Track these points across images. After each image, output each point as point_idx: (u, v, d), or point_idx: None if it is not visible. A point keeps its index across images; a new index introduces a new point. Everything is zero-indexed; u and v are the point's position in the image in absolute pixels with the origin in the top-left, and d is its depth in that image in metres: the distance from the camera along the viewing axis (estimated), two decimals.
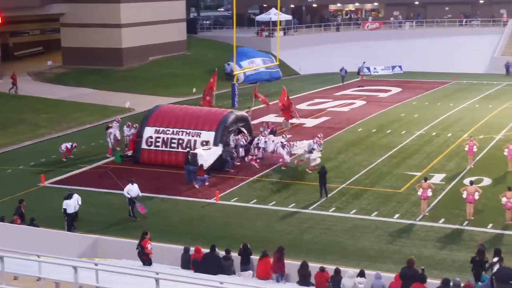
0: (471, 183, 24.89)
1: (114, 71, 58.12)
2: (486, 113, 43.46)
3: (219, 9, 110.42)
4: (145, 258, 18.64)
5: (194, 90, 52.12)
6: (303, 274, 17.24)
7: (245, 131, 33.31)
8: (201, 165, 29.23)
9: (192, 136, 31.76)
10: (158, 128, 32.45)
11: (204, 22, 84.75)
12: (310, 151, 30.64)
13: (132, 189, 25.09)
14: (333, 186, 28.01)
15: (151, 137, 32.39)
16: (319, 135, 32.40)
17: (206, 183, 29.01)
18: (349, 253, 21.55)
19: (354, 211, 25.46)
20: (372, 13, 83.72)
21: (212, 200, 27.20)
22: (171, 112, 33.95)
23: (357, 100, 49.65)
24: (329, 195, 26.92)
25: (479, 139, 33.55)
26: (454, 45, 66.72)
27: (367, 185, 28.57)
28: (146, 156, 32.35)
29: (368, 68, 66.09)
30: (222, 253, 18.23)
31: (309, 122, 41.85)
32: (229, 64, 57.33)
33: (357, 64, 63.71)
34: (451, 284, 14.83)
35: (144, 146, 32.44)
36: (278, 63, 56.92)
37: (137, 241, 18.94)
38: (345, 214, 25.21)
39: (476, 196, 23.80)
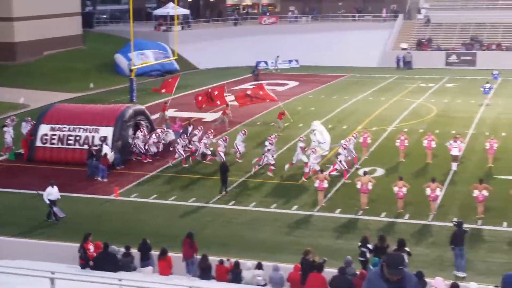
0: (365, 173, 25.76)
1: (7, 66, 56.17)
2: (379, 106, 44.93)
3: (116, 3, 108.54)
4: (84, 263, 17.79)
5: (91, 85, 51.14)
6: (203, 267, 17.37)
7: (145, 125, 33.12)
8: (105, 154, 29.10)
9: (90, 132, 31.34)
10: (54, 126, 31.90)
11: (101, 16, 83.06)
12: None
13: (52, 192, 24.33)
14: (233, 179, 28.27)
15: (46, 134, 31.74)
16: (243, 131, 32.64)
17: (105, 179, 28.69)
18: (249, 245, 21.85)
19: (253, 204, 25.82)
20: (269, 7, 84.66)
21: (111, 197, 26.90)
22: (67, 109, 33.47)
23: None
24: (229, 189, 27.15)
25: (372, 131, 34.68)
26: (347, 39, 68.40)
27: (267, 178, 29.00)
28: (41, 154, 31.66)
29: (266, 62, 66.91)
30: (122, 249, 18.12)
31: (209, 116, 41.94)
32: (118, 54, 57.01)
33: (267, 59, 64.38)
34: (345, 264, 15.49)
35: (38, 144, 31.73)
36: (176, 57, 56.66)
37: (32, 241, 18.47)
38: (244, 207, 25.54)
39: (370, 186, 24.65)
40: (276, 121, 37.97)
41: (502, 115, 41.38)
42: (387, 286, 7.69)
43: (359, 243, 18.17)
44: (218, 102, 41.11)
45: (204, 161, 31.05)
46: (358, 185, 24.77)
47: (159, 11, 72.57)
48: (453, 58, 66.87)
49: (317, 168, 27.87)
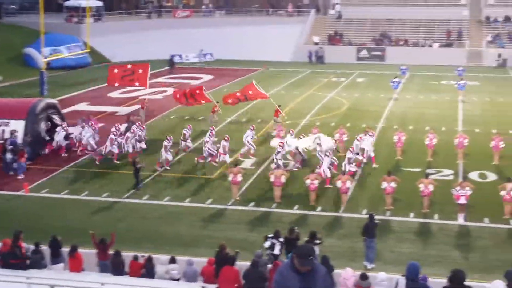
0: (279, 167, 26.08)
1: None
2: (292, 99, 45.53)
3: None
4: (20, 262, 16.71)
5: (0, 78, 49.55)
6: (116, 263, 17.22)
7: (57, 119, 32.45)
8: (22, 149, 28.34)
9: (0, 126, 30.52)
10: None
11: (10, 6, 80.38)
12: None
13: None
14: (147, 174, 28.07)
15: None
16: (251, 127, 32.15)
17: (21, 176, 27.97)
18: (164, 240, 21.78)
19: (167, 198, 25.74)
20: (183, 1, 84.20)
21: (20, 192, 26.23)
22: None
23: (170, 88, 49.87)
24: (142, 183, 26.94)
25: (286, 125, 35.10)
26: (262, 34, 68.90)
27: (181, 172, 28.95)
28: None
29: (180, 56, 66.63)
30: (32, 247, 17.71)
31: (122, 110, 41.45)
32: (28, 48, 55.41)
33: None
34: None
35: None
36: (89, 50, 55.59)
37: None
38: (159, 201, 25.42)
39: (283, 179, 25.00)
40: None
41: (410, 109, 42.69)
42: (298, 277, 7.86)
43: (271, 235, 18.36)
44: (203, 102, 38.80)
45: (213, 162, 29.52)
46: (272, 178, 25.07)
47: (70, 3, 70.97)
48: (364, 53, 68.54)
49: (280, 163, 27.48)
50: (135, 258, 17.38)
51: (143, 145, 31.22)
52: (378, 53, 68.30)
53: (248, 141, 30.90)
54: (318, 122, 37.19)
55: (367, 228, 19.65)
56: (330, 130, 33.81)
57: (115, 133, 30.55)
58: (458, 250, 20.94)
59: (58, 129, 31.73)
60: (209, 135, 30.24)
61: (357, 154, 28.21)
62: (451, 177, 27.50)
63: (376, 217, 20.58)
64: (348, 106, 43.42)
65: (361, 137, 29.37)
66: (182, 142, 31.24)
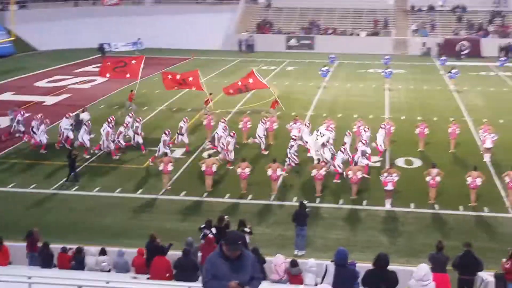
0: (209, 156, 26.10)
1: None
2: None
3: None
4: None
5: None
6: (44, 255, 16.95)
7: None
8: None
9: None
10: None
11: None
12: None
13: None
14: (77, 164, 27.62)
15: None
16: (263, 120, 31.36)
17: None
18: (94, 231, 21.53)
19: (97, 189, 25.43)
20: None
21: None
22: None
23: (98, 77, 49.06)
24: (75, 174, 26.49)
25: (216, 114, 35.11)
26: (191, 22, 68.56)
27: (110, 162, 28.62)
28: None
29: (109, 44, 65.65)
30: None
31: (49, 100, 40.60)
32: None
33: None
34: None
35: None
36: (13, 38, 54.15)
37: None
38: (88, 192, 25.10)
39: (214, 168, 25.05)
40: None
41: (338, 97, 43.33)
42: (227, 263, 8.02)
43: (203, 225, 18.40)
44: (194, 88, 38.96)
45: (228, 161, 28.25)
46: (203, 167, 25.08)
47: None
48: (293, 41, 69.10)
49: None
50: (64, 250, 17.14)
51: (140, 139, 30.12)
52: (307, 41, 68.95)
53: (258, 136, 30.24)
54: (248, 110, 37.31)
55: (297, 215, 19.92)
56: (260, 118, 33.87)
57: (111, 126, 29.48)
58: (385, 235, 21.44)
59: None
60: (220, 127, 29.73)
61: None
62: (378, 164, 28.08)
63: (308, 204, 20.87)
64: (278, 95, 43.66)
65: (368, 128, 29.18)
66: (179, 136, 30.29)
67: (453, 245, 17.83)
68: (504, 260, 15.30)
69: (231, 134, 28.39)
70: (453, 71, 46.49)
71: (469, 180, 23.65)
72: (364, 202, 24.02)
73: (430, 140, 30.68)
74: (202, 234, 17.95)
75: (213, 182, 25.25)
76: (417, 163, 28.48)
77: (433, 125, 32.71)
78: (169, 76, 38.79)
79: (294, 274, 15.24)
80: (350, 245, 19.25)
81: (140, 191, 25.26)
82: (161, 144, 27.77)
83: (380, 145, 28.73)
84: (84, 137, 29.31)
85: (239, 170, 24.78)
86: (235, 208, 23.64)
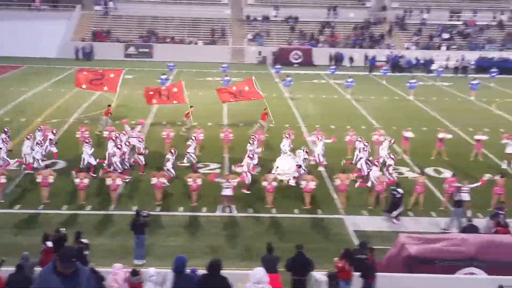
0: (47, 166, 25.35)
1: None
2: (59, 97, 44.30)
3: None
4: None
5: None
6: None
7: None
8: None
9: None
10: None
11: None
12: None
13: None
14: None
15: None
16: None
17: None
18: None
19: None
20: None
21: None
22: None
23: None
24: None
25: (52, 123, 34.07)
26: (23, 29, 66.08)
27: None
28: None
29: None
30: None
31: None
32: None
33: None
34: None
35: None
36: None
37: None
38: None
39: (50, 179, 24.35)
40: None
41: (180, 105, 43.47)
42: (60, 279, 7.76)
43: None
44: (175, 102, 36.66)
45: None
46: (39, 179, 24.30)
47: None
48: (132, 50, 68.63)
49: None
50: None
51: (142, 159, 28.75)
52: (146, 50, 68.73)
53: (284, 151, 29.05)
54: (86, 120, 36.57)
55: (134, 224, 19.85)
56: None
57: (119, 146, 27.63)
58: (225, 240, 21.83)
59: None
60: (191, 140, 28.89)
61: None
62: (218, 170, 28.56)
63: (149, 213, 20.80)
64: (118, 103, 43.15)
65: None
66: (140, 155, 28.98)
67: (288, 247, 18.52)
68: (336, 259, 16.13)
69: (250, 155, 27.08)
70: (288, 79, 48.25)
71: (303, 183, 24.70)
72: (204, 209, 24.34)
73: (269, 145, 31.65)
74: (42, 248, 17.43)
75: (49, 193, 24.50)
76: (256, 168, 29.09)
77: (270, 131, 33.79)
78: (151, 93, 37.05)
79: (134, 283, 15.17)
80: (191, 252, 19.42)
81: None
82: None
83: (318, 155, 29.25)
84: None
85: (77, 181, 24.30)
86: (74, 219, 23.08)
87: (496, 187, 24.71)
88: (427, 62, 66.10)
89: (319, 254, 18.86)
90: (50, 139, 29.44)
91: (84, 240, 17.64)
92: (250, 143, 28.67)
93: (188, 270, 12.87)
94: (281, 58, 66.24)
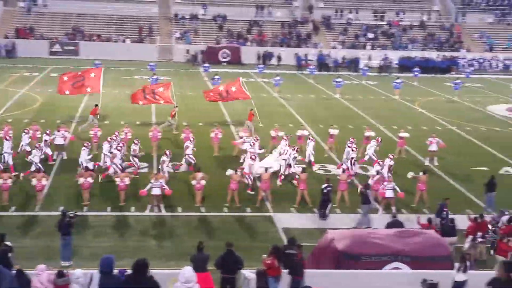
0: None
1: None
2: None
3: None
4: None
5: None
6: None
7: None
8: None
9: None
10: None
11: None
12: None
13: None
14: None
15: None
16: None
17: None
18: None
19: None
20: None
21: None
22: None
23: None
24: None
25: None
26: None
27: None
28: None
29: None
30: None
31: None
32: None
33: None
34: None
35: None
36: None
37: None
38: None
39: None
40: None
41: (106, 104, 42.88)
42: None
43: None
44: (162, 102, 36.39)
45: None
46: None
47: None
48: (57, 47, 67.27)
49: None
50: None
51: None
52: (72, 47, 67.45)
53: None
54: (10, 119, 35.67)
55: (60, 225, 19.51)
56: (23, 127, 32.53)
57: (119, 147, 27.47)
58: (154, 240, 21.70)
59: None
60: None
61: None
62: (145, 170, 28.35)
63: (76, 213, 20.45)
64: (42, 102, 42.34)
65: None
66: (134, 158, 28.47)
67: (218, 245, 18.55)
68: (265, 256, 16.25)
69: (252, 156, 27.27)
70: (216, 77, 48.27)
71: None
72: (132, 208, 24.13)
73: (196, 144, 31.61)
74: None
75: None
76: (182, 167, 28.97)
77: (199, 130, 33.79)
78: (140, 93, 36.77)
79: (60, 285, 14.89)
80: (120, 252, 19.26)
81: None
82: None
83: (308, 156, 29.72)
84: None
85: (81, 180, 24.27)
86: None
87: (419, 183, 25.41)
88: (353, 61, 67.33)
89: (248, 252, 18.99)
90: (45, 140, 28.75)
91: (8, 242, 17.21)
92: (251, 145, 28.89)
93: (116, 271, 12.74)
94: (210, 57, 66.20)
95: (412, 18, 77.82)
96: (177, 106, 36.42)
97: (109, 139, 28.19)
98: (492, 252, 20.34)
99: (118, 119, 37.79)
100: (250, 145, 28.86)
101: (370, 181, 25.57)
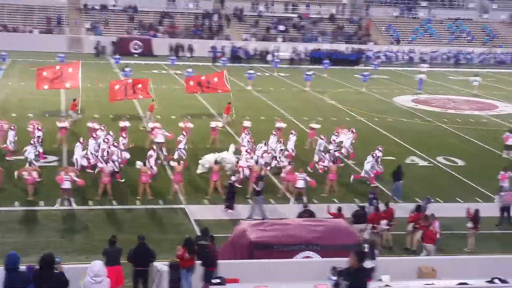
0: None
1: None
2: None
3: None
4: None
5: None
6: None
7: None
8: None
9: None
10: None
11: None
12: None
13: None
14: None
15: None
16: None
17: None
18: None
19: None
20: None
21: None
22: None
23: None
24: None
25: None
26: None
27: None
28: None
29: None
30: None
31: None
32: None
33: None
34: None
35: None
36: None
37: None
38: None
39: None
40: None
41: (12, 96, 41.84)
42: None
43: None
44: (141, 96, 36.20)
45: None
46: None
47: None
48: None
49: None
50: None
51: (127, 155, 27.54)
52: None
53: (292, 148, 29.65)
54: None
55: None
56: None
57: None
58: (64, 234, 21.34)
59: None
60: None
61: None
62: (55, 163, 27.80)
63: None
64: None
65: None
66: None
67: (130, 238, 18.41)
68: (179, 247, 16.22)
69: (247, 150, 27.44)
70: (126, 69, 47.68)
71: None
72: (42, 203, 23.64)
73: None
74: None
75: None
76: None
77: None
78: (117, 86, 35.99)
79: None
80: (30, 248, 18.89)
81: None
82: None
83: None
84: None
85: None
86: None
87: (330, 174, 26.01)
88: (264, 53, 67.90)
89: (161, 245, 18.99)
90: (38, 136, 27.94)
91: None
92: (249, 141, 28.93)
93: (23, 267, 12.49)
94: (121, 48, 65.29)
95: (319, 10, 79.13)
96: (154, 100, 36.33)
97: (94, 135, 27.98)
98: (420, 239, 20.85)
99: (23, 110, 36.84)
100: (249, 140, 29.07)
101: (282, 174, 25.97)
